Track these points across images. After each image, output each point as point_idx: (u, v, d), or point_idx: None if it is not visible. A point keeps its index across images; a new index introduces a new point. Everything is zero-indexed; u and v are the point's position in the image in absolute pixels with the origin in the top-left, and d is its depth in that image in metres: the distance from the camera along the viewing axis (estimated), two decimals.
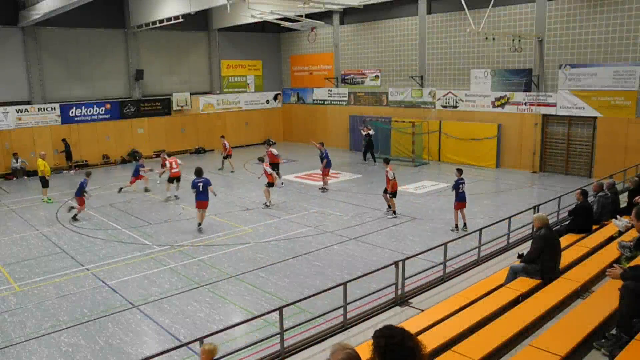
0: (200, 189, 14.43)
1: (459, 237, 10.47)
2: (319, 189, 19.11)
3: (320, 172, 19.37)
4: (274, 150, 19.81)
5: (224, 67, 30.46)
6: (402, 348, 2.98)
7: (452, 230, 13.70)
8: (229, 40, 30.29)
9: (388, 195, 15.45)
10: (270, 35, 31.83)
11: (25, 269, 12.09)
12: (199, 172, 14.78)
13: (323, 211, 16.30)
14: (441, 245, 9.28)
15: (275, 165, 18.83)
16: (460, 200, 13.68)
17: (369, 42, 27.30)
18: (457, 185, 13.67)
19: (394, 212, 15.45)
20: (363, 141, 25.34)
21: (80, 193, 15.93)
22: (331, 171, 19.68)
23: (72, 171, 24.09)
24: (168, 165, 18.55)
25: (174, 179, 18.40)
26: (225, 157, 23.34)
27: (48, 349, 8.45)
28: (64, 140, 24.12)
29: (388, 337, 3.03)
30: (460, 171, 14.01)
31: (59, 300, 10.28)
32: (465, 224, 13.75)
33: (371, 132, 24.42)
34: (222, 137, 24.02)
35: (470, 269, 9.59)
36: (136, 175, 19.19)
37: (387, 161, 15.96)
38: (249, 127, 31.15)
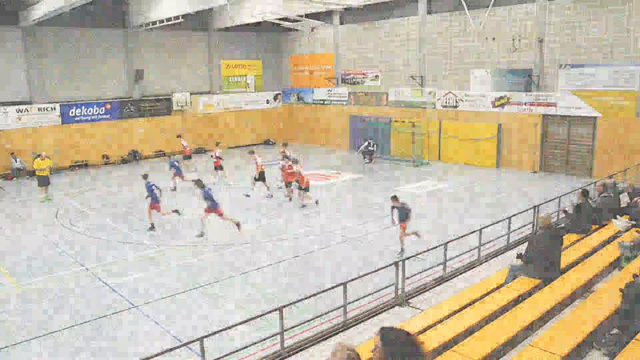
0: None
1: (459, 237, 10.48)
2: None
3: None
4: (295, 167, 17.25)
5: (224, 67, 30.43)
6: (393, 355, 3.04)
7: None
8: (229, 40, 30.25)
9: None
10: (270, 35, 31.80)
11: (26, 269, 12.09)
12: None
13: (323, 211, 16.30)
14: (441, 245, 9.28)
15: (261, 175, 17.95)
16: (402, 221, 12.09)
17: (369, 42, 27.27)
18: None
19: (268, 189, 17.91)
20: (362, 144, 25.10)
21: None
22: (332, 171, 19.61)
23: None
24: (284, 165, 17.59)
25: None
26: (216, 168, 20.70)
27: (48, 349, 8.46)
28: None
29: (392, 339, 3.07)
30: (395, 197, 12.40)
31: (59, 300, 10.28)
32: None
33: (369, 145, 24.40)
34: (179, 136, 24.00)
35: (470, 269, 9.60)
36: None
37: (251, 152, 18.76)
38: (249, 127, 31.15)
